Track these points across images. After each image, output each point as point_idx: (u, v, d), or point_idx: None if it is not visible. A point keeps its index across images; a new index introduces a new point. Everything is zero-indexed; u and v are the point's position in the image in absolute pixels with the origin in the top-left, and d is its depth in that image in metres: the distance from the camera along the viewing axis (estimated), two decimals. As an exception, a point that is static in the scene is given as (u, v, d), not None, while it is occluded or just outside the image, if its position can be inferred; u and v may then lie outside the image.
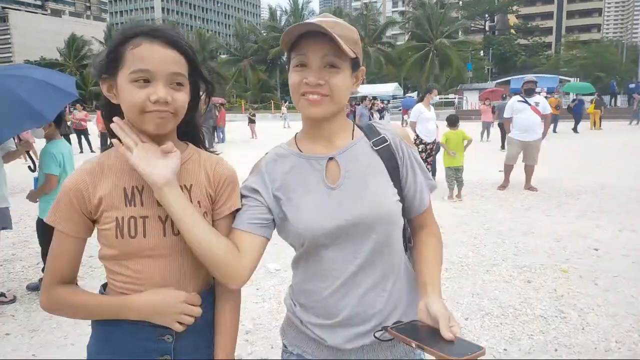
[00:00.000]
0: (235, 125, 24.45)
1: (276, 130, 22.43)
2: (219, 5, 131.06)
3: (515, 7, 67.80)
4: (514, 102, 7.96)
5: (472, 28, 67.97)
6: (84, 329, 3.31)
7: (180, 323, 1.15)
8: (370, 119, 13.64)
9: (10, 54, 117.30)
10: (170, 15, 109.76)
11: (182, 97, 1.14)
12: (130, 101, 1.09)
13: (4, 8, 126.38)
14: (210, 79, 1.26)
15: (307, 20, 1.17)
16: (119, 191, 1.14)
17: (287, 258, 1.06)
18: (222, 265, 1.14)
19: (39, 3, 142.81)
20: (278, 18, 64.29)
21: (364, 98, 15.00)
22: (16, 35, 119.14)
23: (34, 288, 3.91)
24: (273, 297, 3.76)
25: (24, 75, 3.57)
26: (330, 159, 1.24)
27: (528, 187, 7.88)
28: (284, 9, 64.12)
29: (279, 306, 3.57)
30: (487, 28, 70.54)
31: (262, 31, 65.36)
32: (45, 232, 3.67)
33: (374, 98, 15.56)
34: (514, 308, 3.55)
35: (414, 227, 1.35)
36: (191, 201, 1.18)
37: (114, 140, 1.14)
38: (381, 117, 16.83)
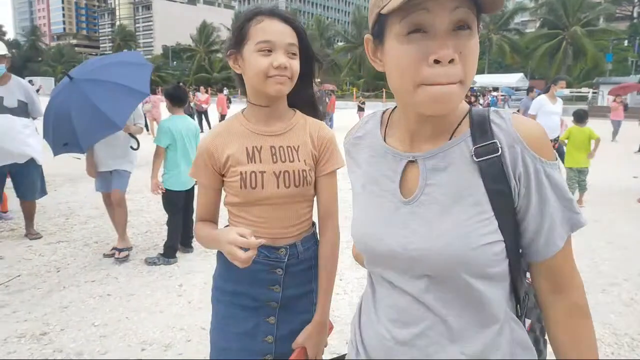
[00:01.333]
0: (345, 113, 24.55)
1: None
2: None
3: (672, -10, 58.98)
4: None
5: (618, 14, 60.62)
6: (173, 299, 3.49)
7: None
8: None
9: (152, 39, 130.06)
10: (293, 2, 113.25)
11: (296, 64, 1.37)
12: (256, 67, 1.32)
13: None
14: (319, 56, 1.48)
15: None
16: (242, 150, 1.40)
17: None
18: None
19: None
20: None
21: (531, 89, 11.59)
22: (157, 21, 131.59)
23: (151, 262, 4.16)
24: (355, 291, 3.64)
25: (101, 79, 3.78)
26: (412, 161, 0.92)
27: (668, 197, 6.79)
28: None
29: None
30: (635, 15, 62.48)
31: (381, 18, 64.42)
32: (168, 200, 4.16)
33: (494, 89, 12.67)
34: (631, 337, 3.03)
35: (539, 280, 0.92)
36: (299, 160, 1.42)
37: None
38: None
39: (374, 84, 55.95)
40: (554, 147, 7.29)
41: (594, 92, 34.56)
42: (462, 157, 0.87)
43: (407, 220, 0.90)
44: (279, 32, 1.32)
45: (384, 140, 0.99)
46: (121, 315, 3.24)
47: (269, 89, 1.32)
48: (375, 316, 0.98)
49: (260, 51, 1.30)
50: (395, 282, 0.93)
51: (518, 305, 0.94)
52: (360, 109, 20.58)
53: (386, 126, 1.00)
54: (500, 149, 0.84)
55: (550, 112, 7.18)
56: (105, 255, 4.30)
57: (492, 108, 0.91)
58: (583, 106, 23.75)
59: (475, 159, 0.85)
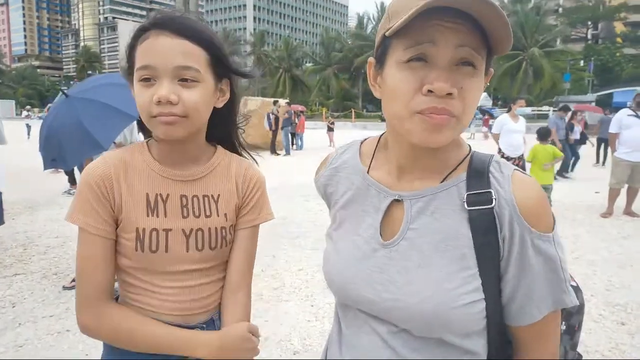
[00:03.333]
0: (315, 133, 24.67)
1: (354, 138, 22.26)
2: (308, 14, 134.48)
3: (623, 14, 62.36)
4: (622, 115, 6.92)
5: (573, 36, 63.53)
6: (137, 332, 3.32)
7: None
8: (567, 137, 10.35)
9: (117, 60, 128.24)
10: (261, 24, 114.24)
11: (193, 97, 0.98)
12: (138, 104, 0.99)
13: (114, 18, 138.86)
14: (242, 71, 1.11)
15: None
16: (141, 197, 1.04)
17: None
18: None
19: (143, 13, 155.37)
20: (365, 26, 64.53)
21: (566, 108, 10.85)
22: (123, 43, 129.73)
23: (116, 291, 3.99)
24: (327, 317, 3.55)
25: (92, 99, 3.80)
26: (397, 200, 0.86)
27: (628, 211, 6.99)
28: (371, 16, 64.23)
29: (332, 327, 3.37)
30: (589, 37, 65.61)
31: (348, 40, 65.91)
32: None
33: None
34: (601, 354, 3.05)
35: (514, 341, 0.86)
36: (217, 214, 1.09)
37: None
38: (582, 137, 11.84)
39: (343, 105, 56.67)
40: (517, 164, 7.46)
41: (554, 110, 35.84)
42: (452, 203, 0.81)
43: (385, 265, 0.83)
44: (163, 53, 0.96)
45: (367, 172, 0.92)
46: (81, 352, 3.05)
47: (156, 131, 1.00)
48: (339, 354, 0.92)
49: (140, 81, 0.98)
50: (364, 320, 0.87)
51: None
52: (330, 129, 20.72)
53: (372, 157, 0.93)
54: (493, 201, 0.78)
55: (512, 130, 7.37)
56: (65, 288, 4.09)
57: (495, 157, 0.85)
58: (545, 124, 24.65)
59: (466, 206, 0.79)
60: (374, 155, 0.93)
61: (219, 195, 1.11)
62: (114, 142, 3.99)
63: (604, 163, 12.83)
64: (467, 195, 0.79)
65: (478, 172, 0.81)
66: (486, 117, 25.59)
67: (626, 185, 6.95)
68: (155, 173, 1.06)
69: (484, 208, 0.78)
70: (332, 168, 0.98)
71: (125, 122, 3.90)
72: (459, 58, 0.73)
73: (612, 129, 7.01)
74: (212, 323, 1.12)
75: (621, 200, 6.99)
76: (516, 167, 0.83)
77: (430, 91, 0.72)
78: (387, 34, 0.76)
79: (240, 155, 1.22)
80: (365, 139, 1.00)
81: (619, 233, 6.04)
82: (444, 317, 0.77)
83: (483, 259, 0.78)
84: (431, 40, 0.72)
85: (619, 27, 66.69)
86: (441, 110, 0.72)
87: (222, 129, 1.17)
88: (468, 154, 0.85)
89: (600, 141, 13.26)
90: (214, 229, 1.08)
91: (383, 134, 0.95)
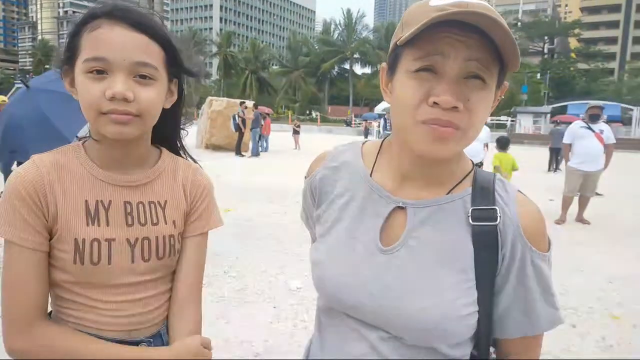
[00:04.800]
0: (281, 135, 24.62)
1: (320, 141, 22.38)
2: (275, 17, 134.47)
3: (577, 31, 65.44)
4: (576, 127, 7.20)
5: (530, 50, 66.09)
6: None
7: None
8: None
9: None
10: (228, 25, 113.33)
11: (149, 95, 0.92)
12: (84, 99, 0.90)
13: (74, 12, 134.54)
14: (195, 72, 1.06)
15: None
16: (79, 204, 0.95)
17: (310, 276, 0.92)
18: None
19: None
20: (331, 32, 65.03)
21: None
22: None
23: None
24: (289, 318, 3.55)
25: (55, 90, 3.67)
26: (400, 207, 0.85)
27: (580, 219, 7.30)
28: (337, 22, 64.77)
29: (294, 329, 3.36)
30: (546, 51, 68.41)
31: (315, 45, 66.27)
32: None
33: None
34: (552, 355, 3.17)
35: (499, 352, 0.89)
36: (165, 222, 1.03)
37: None
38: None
39: (309, 108, 56.89)
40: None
41: (512, 121, 37.10)
42: (457, 215, 0.82)
43: (382, 271, 0.82)
44: (121, 45, 0.89)
45: (370, 175, 0.90)
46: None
47: (104, 129, 0.91)
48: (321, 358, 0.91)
49: (88, 72, 0.89)
50: (351, 325, 0.85)
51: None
52: (296, 132, 20.73)
53: (375, 160, 0.91)
54: (498, 218, 0.79)
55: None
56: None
57: (498, 175, 0.87)
58: (503, 133, 25.53)
59: (470, 221, 0.80)
60: (376, 158, 0.92)
61: (165, 201, 1.04)
62: (77, 136, 3.89)
63: (555, 170, 13.67)
64: (472, 210, 0.81)
65: (484, 189, 0.83)
66: None
67: (578, 194, 7.26)
68: (95, 178, 0.98)
69: (488, 226, 0.79)
70: (332, 167, 0.95)
71: None
72: (467, 71, 0.73)
73: (566, 139, 7.29)
74: (160, 337, 1.04)
75: (574, 208, 7.30)
76: (518, 189, 0.85)
77: (436, 103, 0.72)
78: (398, 43, 0.76)
79: (183, 157, 1.16)
80: (365, 142, 0.99)
81: (572, 240, 6.28)
82: (444, 327, 0.77)
83: (481, 273, 0.79)
84: (440, 53, 0.73)
85: (573, 42, 69.94)
86: (445, 123, 0.73)
87: (167, 131, 1.10)
88: (472, 169, 0.87)
89: (551, 151, 14.32)
90: (161, 237, 1.02)
91: (385, 137, 0.94)
